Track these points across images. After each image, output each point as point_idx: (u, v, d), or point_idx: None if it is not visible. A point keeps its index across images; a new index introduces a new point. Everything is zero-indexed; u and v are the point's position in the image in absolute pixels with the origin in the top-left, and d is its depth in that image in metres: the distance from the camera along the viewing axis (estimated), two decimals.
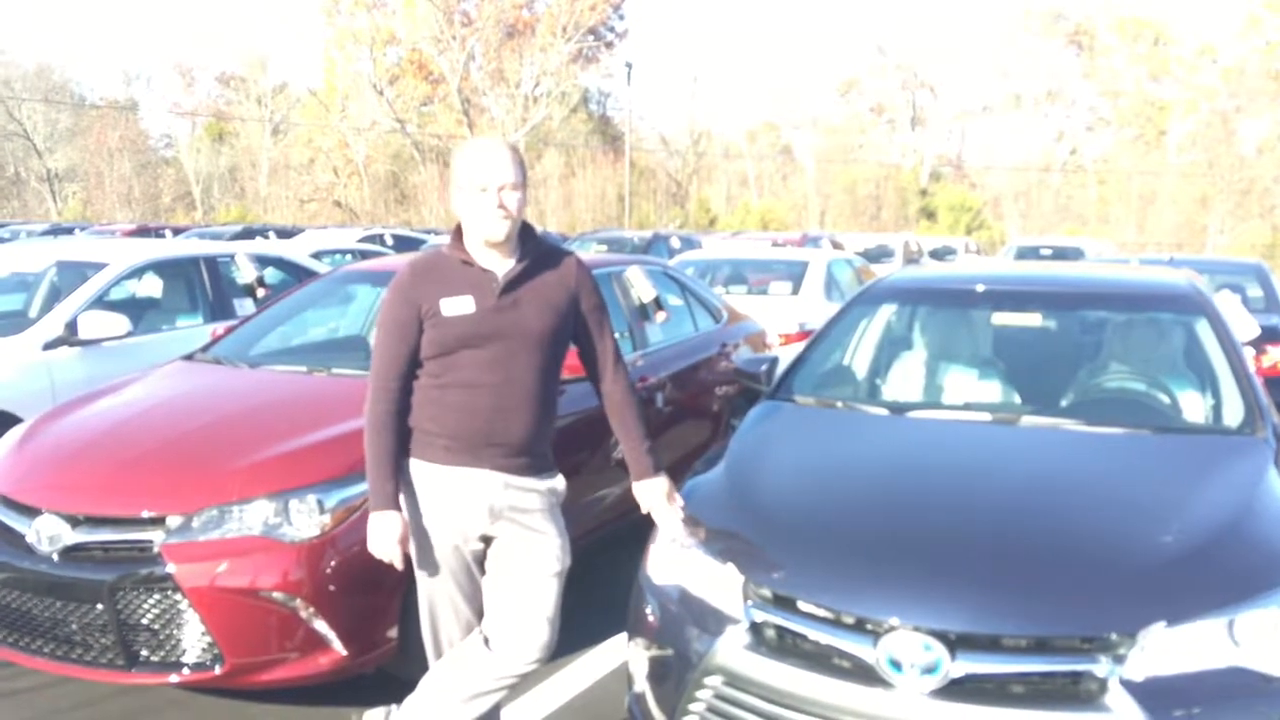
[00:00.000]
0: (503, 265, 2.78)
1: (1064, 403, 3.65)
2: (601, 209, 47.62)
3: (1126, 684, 2.35)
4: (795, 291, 8.53)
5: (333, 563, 3.39)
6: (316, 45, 68.23)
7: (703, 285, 6.58)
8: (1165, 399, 3.68)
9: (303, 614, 3.34)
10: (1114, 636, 2.39)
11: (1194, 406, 3.60)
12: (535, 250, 2.85)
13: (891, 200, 54.64)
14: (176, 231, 22.98)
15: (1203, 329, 3.78)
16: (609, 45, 56.43)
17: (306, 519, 3.39)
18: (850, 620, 2.55)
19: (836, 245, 18.93)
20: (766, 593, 2.70)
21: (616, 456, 4.67)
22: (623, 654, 4.01)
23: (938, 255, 23.19)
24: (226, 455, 3.60)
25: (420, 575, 2.90)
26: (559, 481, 2.91)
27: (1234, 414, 3.38)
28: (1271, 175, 52.10)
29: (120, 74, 73.06)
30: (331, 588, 3.39)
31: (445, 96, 53.88)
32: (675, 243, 17.16)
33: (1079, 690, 2.38)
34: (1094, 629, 2.41)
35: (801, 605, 2.64)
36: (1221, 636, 2.40)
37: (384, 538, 2.73)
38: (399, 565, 2.75)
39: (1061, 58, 61.93)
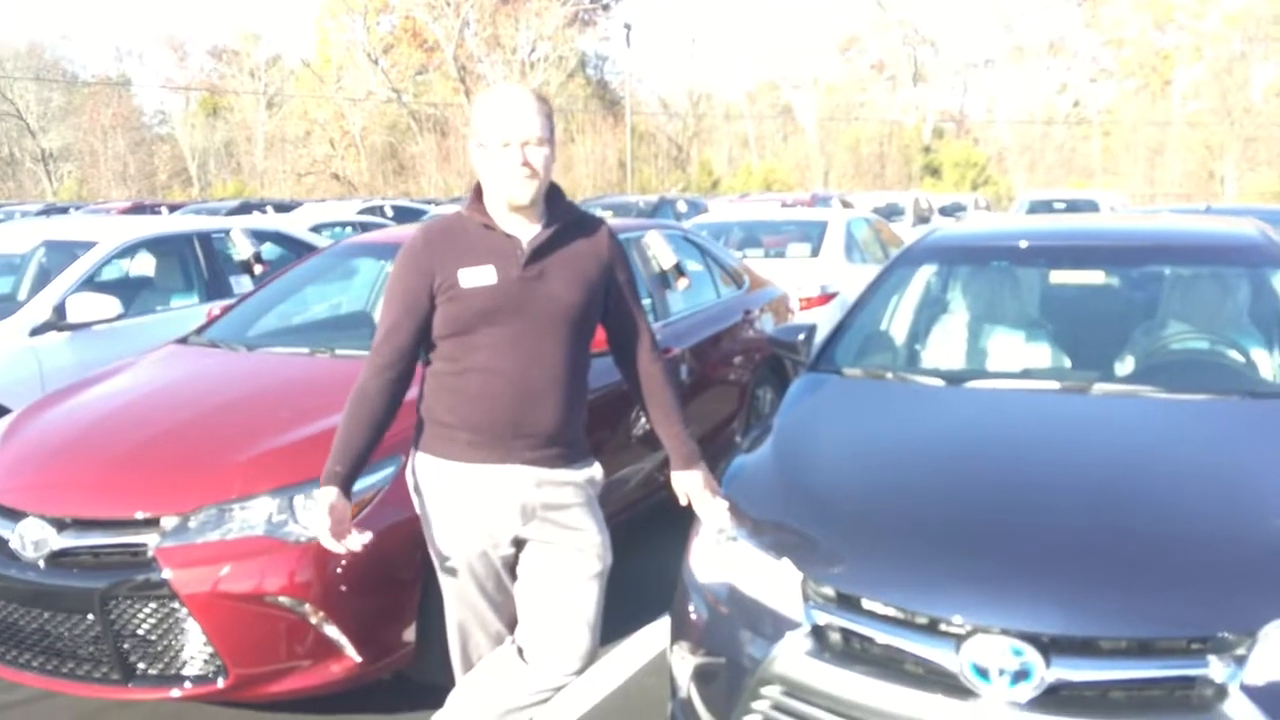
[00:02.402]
0: (529, 231, 2.47)
1: (1136, 367, 3.34)
2: (602, 174, 47.07)
3: (1249, 690, 2.06)
4: (815, 253, 8.19)
5: (343, 562, 3.10)
6: (309, 16, 67.46)
7: (722, 249, 6.26)
8: (1245, 360, 3.36)
9: (312, 619, 3.07)
10: (1229, 636, 2.10)
11: (1278, 367, 3.28)
12: (565, 215, 2.53)
13: (895, 158, 54.02)
14: (172, 208, 22.64)
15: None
16: (605, 8, 55.77)
17: (313, 516, 3.10)
18: (926, 621, 2.27)
19: (846, 204, 18.55)
20: (829, 591, 2.42)
21: (637, 433, 4.39)
22: (658, 645, 3.78)
23: (947, 212, 22.77)
24: (225, 448, 3.31)
25: (445, 587, 2.61)
26: (596, 470, 2.62)
27: None
28: (1276, 122, 51.40)
29: (112, 50, 72.34)
30: (343, 588, 3.12)
31: (441, 64, 53.24)
32: (682, 206, 16.80)
33: (1192, 697, 2.10)
34: (1206, 628, 2.12)
35: (869, 605, 2.35)
36: None
37: (321, 515, 2.35)
38: (339, 548, 2.37)
39: (1063, 8, 61.07)
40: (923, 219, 19.63)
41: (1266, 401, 3.03)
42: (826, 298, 7.50)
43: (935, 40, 61.11)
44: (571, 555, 2.54)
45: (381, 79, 51.73)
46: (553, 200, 2.52)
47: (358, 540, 2.38)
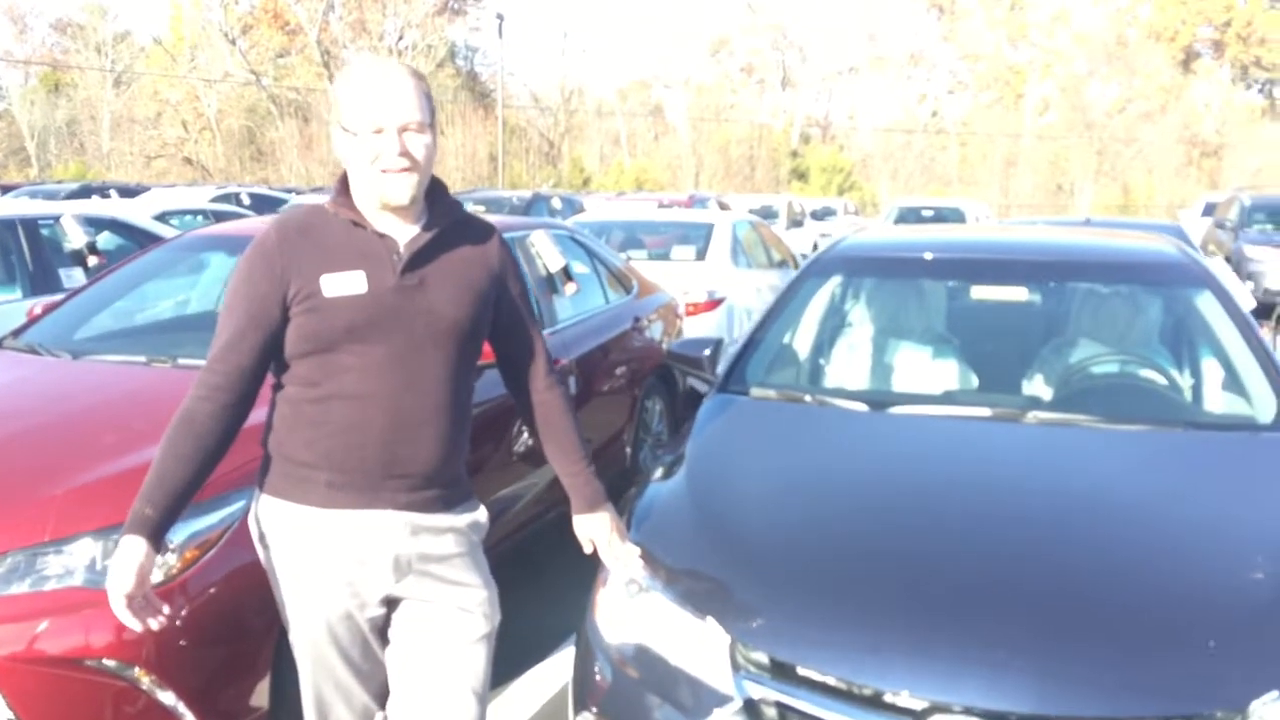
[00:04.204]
0: (406, 232, 2.06)
1: (1070, 393, 3.14)
2: (472, 168, 46.11)
3: None
4: (700, 256, 7.91)
5: (182, 614, 2.63)
6: None
7: (610, 251, 5.91)
8: (1180, 386, 3.21)
9: (144, 684, 2.57)
10: (1219, 714, 1.87)
11: (1215, 395, 3.13)
12: (449, 215, 2.12)
13: (764, 161, 54.73)
14: (5, 189, 20.94)
15: (1206, 303, 3.32)
16: None
17: (111, 574, 2.61)
18: (875, 695, 1.97)
19: (724, 206, 18.45)
20: (762, 658, 2.10)
21: (518, 450, 4.01)
22: (541, 698, 3.42)
23: (819, 216, 23.04)
24: (37, 480, 2.77)
25: (300, 654, 2.18)
26: (480, 513, 2.22)
27: (1265, 404, 2.91)
28: (1120, 138, 54.27)
29: None
30: (181, 644, 2.64)
31: (304, 48, 51.34)
32: (556, 203, 16.37)
33: None
34: (1193, 705, 1.88)
35: (805, 673, 2.04)
36: None
37: (117, 573, 1.89)
38: (134, 623, 1.92)
39: (923, 21, 63.10)
40: (796, 222, 19.74)
41: (1211, 434, 2.86)
42: (714, 303, 7.24)
43: (803, 46, 62.24)
44: (453, 615, 2.14)
45: (239, 60, 49.50)
46: (434, 197, 2.11)
47: (158, 614, 1.93)
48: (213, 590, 2.69)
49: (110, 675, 2.55)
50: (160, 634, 2.56)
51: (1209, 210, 21.06)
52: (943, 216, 18.54)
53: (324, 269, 2.00)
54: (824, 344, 3.61)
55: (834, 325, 3.69)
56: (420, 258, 2.04)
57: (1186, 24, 60.14)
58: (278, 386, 2.10)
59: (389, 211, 2.04)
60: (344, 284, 1.99)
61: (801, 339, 3.61)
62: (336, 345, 2.00)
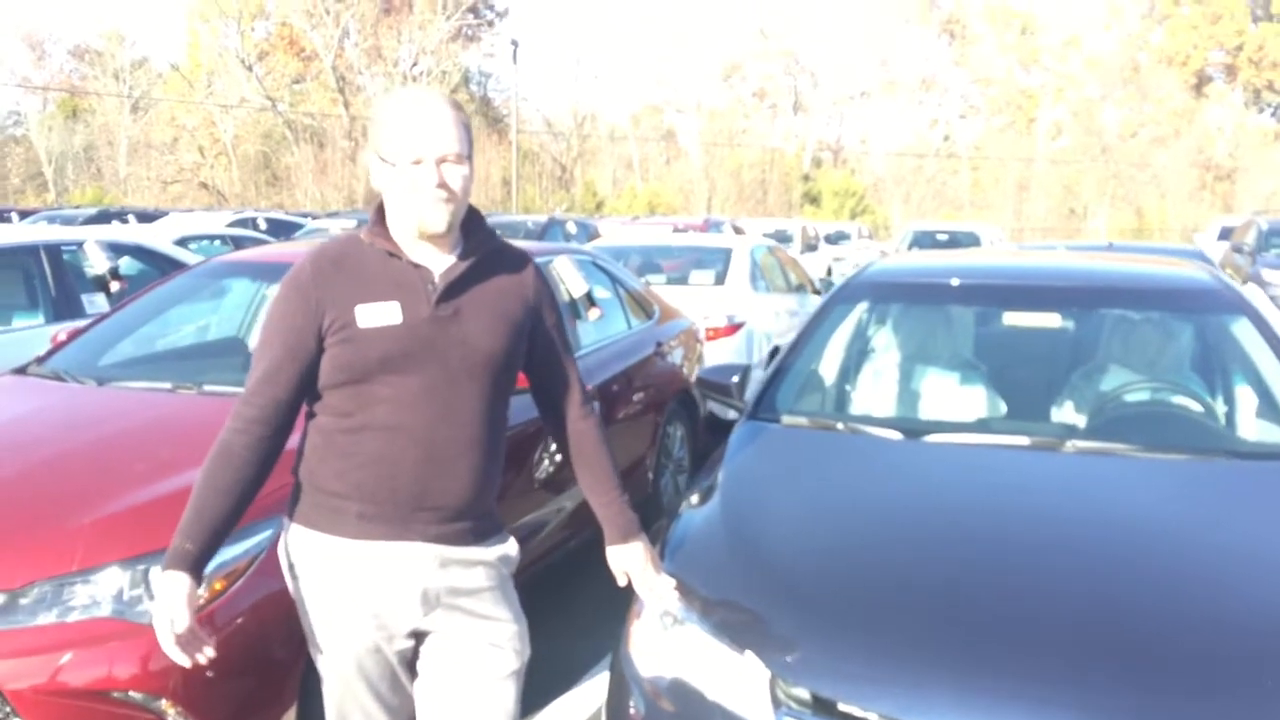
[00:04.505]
0: (441, 262, 2.04)
1: (1108, 422, 3.09)
2: (485, 192, 46.32)
3: None
4: (719, 281, 7.87)
5: (210, 644, 2.59)
6: (179, 18, 64.85)
7: (631, 276, 5.89)
8: (1219, 415, 3.16)
9: (170, 717, 2.55)
10: None
11: (1255, 424, 3.08)
12: (485, 245, 2.11)
13: (776, 185, 54.83)
14: (24, 214, 21.09)
15: (1244, 330, 3.27)
16: (490, 24, 55.14)
17: (155, 608, 2.58)
18: None
19: (738, 230, 18.45)
20: (804, 694, 2.05)
21: (540, 476, 3.98)
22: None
23: (833, 240, 23.02)
24: (65, 508, 2.75)
25: (328, 687, 2.16)
26: (511, 546, 2.19)
27: None
28: (1133, 162, 54.22)
29: None
30: (208, 676, 2.60)
31: (319, 74, 51.74)
32: (571, 228, 16.41)
33: None
34: None
35: (847, 708, 2.00)
36: None
37: (163, 610, 1.91)
38: (183, 659, 1.94)
39: (935, 46, 63.27)
40: (810, 247, 19.71)
41: (1252, 464, 2.81)
42: (734, 328, 7.20)
43: (814, 71, 62.45)
44: (483, 650, 2.11)
45: (255, 86, 49.89)
46: (470, 227, 2.10)
47: (207, 648, 1.95)
48: (240, 620, 2.67)
49: (137, 708, 2.53)
50: (188, 667, 2.56)
51: (1225, 234, 20.99)
52: (957, 240, 18.50)
53: (359, 299, 1.99)
54: (854, 371, 3.57)
55: (864, 352, 3.66)
56: (455, 288, 2.03)
57: (1198, 48, 60.17)
58: (310, 416, 2.08)
59: (425, 241, 2.02)
60: (379, 315, 1.98)
61: (832, 366, 3.57)
62: (370, 376, 1.99)
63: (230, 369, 4.03)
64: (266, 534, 2.73)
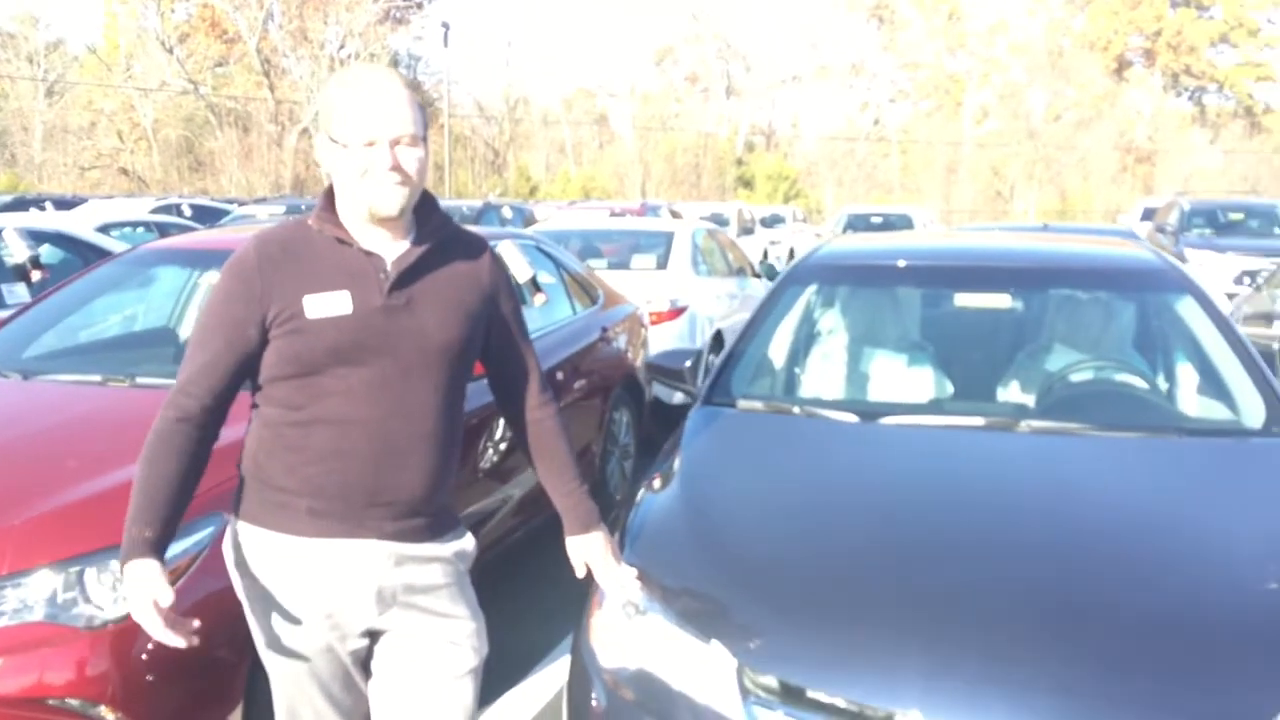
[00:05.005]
0: (394, 248, 1.96)
1: (1060, 401, 3.12)
2: None
3: None
4: (661, 265, 7.84)
5: (148, 647, 2.49)
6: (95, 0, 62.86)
7: (576, 261, 5.82)
8: (1169, 393, 3.21)
9: None
10: None
11: (1203, 401, 3.13)
12: (439, 230, 2.03)
13: (710, 169, 54.93)
14: None
15: (1189, 308, 3.32)
16: (419, 6, 54.28)
17: (110, 593, 2.48)
18: (891, 719, 1.91)
19: (675, 214, 18.44)
20: (772, 682, 2.02)
21: (485, 466, 3.92)
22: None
23: (768, 224, 23.12)
24: None
25: (276, 688, 2.09)
26: (467, 542, 2.13)
27: (1253, 409, 2.91)
28: (1057, 144, 55.35)
29: None
30: (149, 680, 2.51)
31: (243, 57, 50.46)
32: (507, 213, 16.24)
33: None
34: None
35: (815, 695, 1.97)
36: None
37: (142, 597, 1.82)
38: (176, 639, 1.85)
39: (864, 30, 63.84)
40: (747, 230, 19.77)
41: (1204, 441, 2.85)
42: (677, 312, 7.18)
43: (746, 55, 62.63)
44: (439, 649, 2.05)
45: (177, 69, 48.50)
46: (423, 212, 2.02)
47: (188, 629, 1.86)
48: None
49: (74, 715, 2.43)
50: (127, 670, 2.47)
51: (1148, 215, 21.47)
52: (891, 223, 18.71)
53: (307, 289, 1.90)
54: (808, 354, 3.56)
55: (817, 335, 3.64)
56: (408, 276, 1.95)
57: (1119, 34, 61.56)
58: (256, 408, 1.99)
59: (377, 225, 1.94)
60: (328, 305, 1.90)
61: (785, 349, 3.55)
62: (320, 368, 1.91)
63: (163, 360, 3.90)
64: (208, 531, 2.64)
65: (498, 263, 2.15)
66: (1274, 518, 2.38)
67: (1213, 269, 14.06)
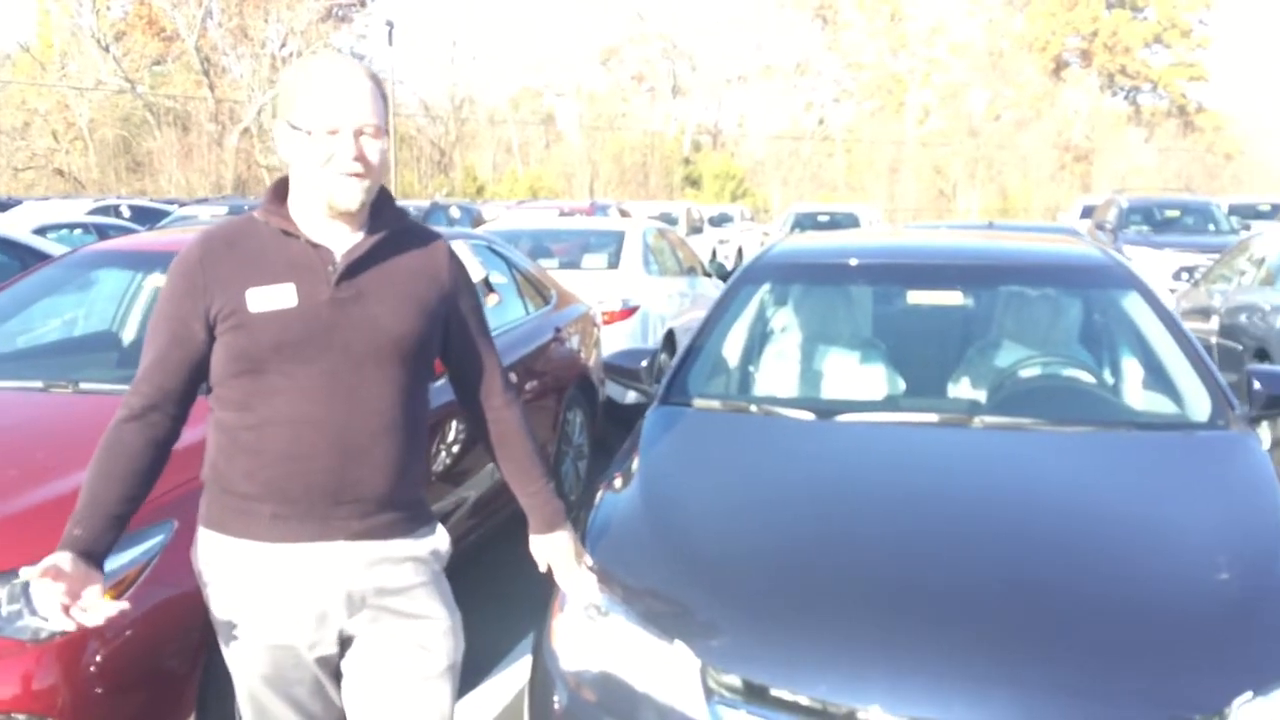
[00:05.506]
0: (345, 241, 1.92)
1: (1013, 397, 3.16)
2: None
3: None
4: (613, 264, 7.83)
5: (98, 658, 2.44)
6: None
7: (528, 261, 5.79)
8: (1118, 388, 3.27)
9: None
10: (1198, 718, 1.87)
11: (1151, 396, 3.19)
12: (392, 223, 1.99)
13: (658, 168, 54.99)
14: None
15: (1134, 305, 3.39)
16: (363, 4, 53.69)
17: (40, 593, 2.41)
18: (858, 716, 1.92)
19: (624, 213, 18.44)
20: (735, 681, 2.03)
21: (437, 469, 3.89)
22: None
23: (716, 222, 23.23)
24: None
25: (242, 697, 2.03)
26: (442, 539, 2.09)
27: (1199, 402, 2.98)
28: (998, 144, 56.25)
29: None
30: (98, 693, 2.45)
31: (181, 55, 49.54)
32: (455, 213, 16.12)
33: None
34: (1174, 710, 1.87)
35: (779, 694, 1.98)
36: None
37: (43, 597, 1.71)
38: (93, 620, 1.73)
39: (808, 31, 64.33)
40: (695, 229, 19.84)
41: (1153, 434, 2.91)
42: (629, 312, 7.17)
43: (692, 55, 62.79)
44: (414, 651, 2.01)
45: (113, 68, 47.49)
46: (378, 205, 1.98)
47: (105, 610, 1.73)
48: (129, 633, 2.51)
49: None
50: (76, 682, 2.41)
51: (1087, 213, 21.85)
52: (838, 222, 18.88)
53: (250, 283, 1.86)
54: (764, 353, 3.57)
55: (772, 333, 3.66)
56: (357, 267, 1.91)
57: (1056, 34, 62.71)
58: (212, 413, 1.95)
59: (334, 218, 1.91)
60: (271, 298, 1.85)
61: (741, 348, 3.57)
62: (266, 365, 1.86)
63: (106, 365, 3.81)
64: (158, 539, 2.59)
65: (456, 260, 2.12)
66: (1222, 508, 2.43)
67: (1151, 265, 14.38)
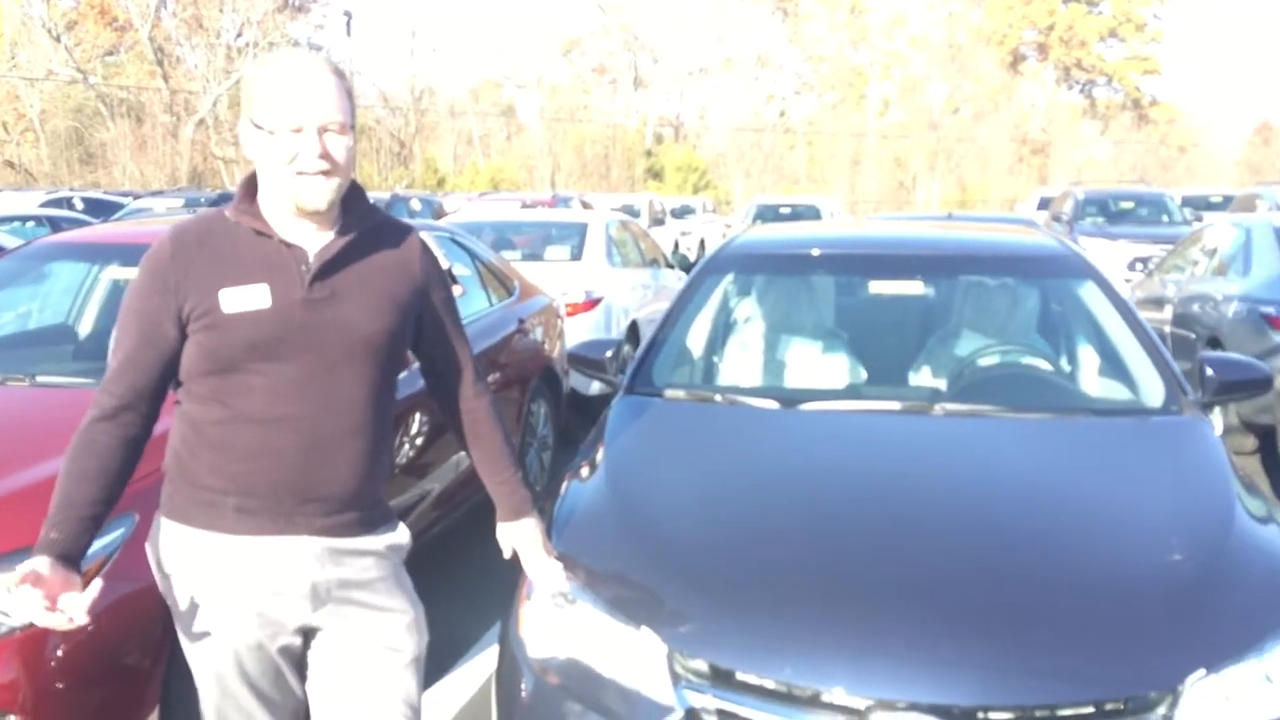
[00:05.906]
0: (317, 240, 1.91)
1: (974, 385, 3.21)
2: None
3: None
4: (576, 256, 7.84)
5: (59, 653, 2.42)
6: None
7: (492, 253, 5.78)
8: (1076, 375, 3.33)
9: None
10: (1153, 695, 1.92)
11: (1108, 383, 3.25)
12: (364, 220, 1.98)
13: (619, 160, 54.91)
14: None
15: (1091, 293, 3.45)
16: None
17: (17, 595, 2.39)
18: (817, 697, 1.95)
19: (586, 205, 18.42)
20: (701, 666, 2.05)
21: (400, 461, 3.88)
22: (454, 705, 3.31)
23: (678, 214, 23.28)
24: None
25: (203, 689, 2.03)
26: (401, 535, 2.10)
27: (1153, 389, 3.05)
28: (956, 136, 56.79)
29: None
30: (59, 687, 2.43)
31: (134, 45, 48.78)
32: (415, 205, 16.01)
33: None
34: (1129, 688, 1.92)
35: (745, 677, 2.01)
36: (1258, 676, 1.98)
37: (23, 602, 1.69)
38: (60, 620, 1.72)
39: (769, 23, 64.49)
40: (658, 221, 19.89)
41: (1110, 420, 2.97)
42: (592, 303, 7.19)
43: (654, 47, 62.77)
44: (378, 643, 2.02)
45: (65, 58, 46.65)
46: (349, 202, 1.97)
47: (82, 602, 1.72)
48: (91, 628, 2.45)
49: None
50: (38, 676, 2.39)
51: (1044, 204, 22.17)
52: (799, 214, 18.98)
53: (223, 283, 1.85)
54: (728, 342, 3.60)
55: (735, 323, 3.69)
56: (331, 267, 1.91)
57: (1013, 28, 63.43)
58: (178, 404, 1.94)
59: (302, 217, 1.90)
60: (245, 299, 1.85)
61: (705, 338, 3.60)
62: (239, 365, 1.86)
63: (63, 359, 3.76)
64: (118, 533, 2.58)
65: (428, 253, 2.12)
66: (1176, 491, 2.49)
67: (1106, 256, 14.60)
